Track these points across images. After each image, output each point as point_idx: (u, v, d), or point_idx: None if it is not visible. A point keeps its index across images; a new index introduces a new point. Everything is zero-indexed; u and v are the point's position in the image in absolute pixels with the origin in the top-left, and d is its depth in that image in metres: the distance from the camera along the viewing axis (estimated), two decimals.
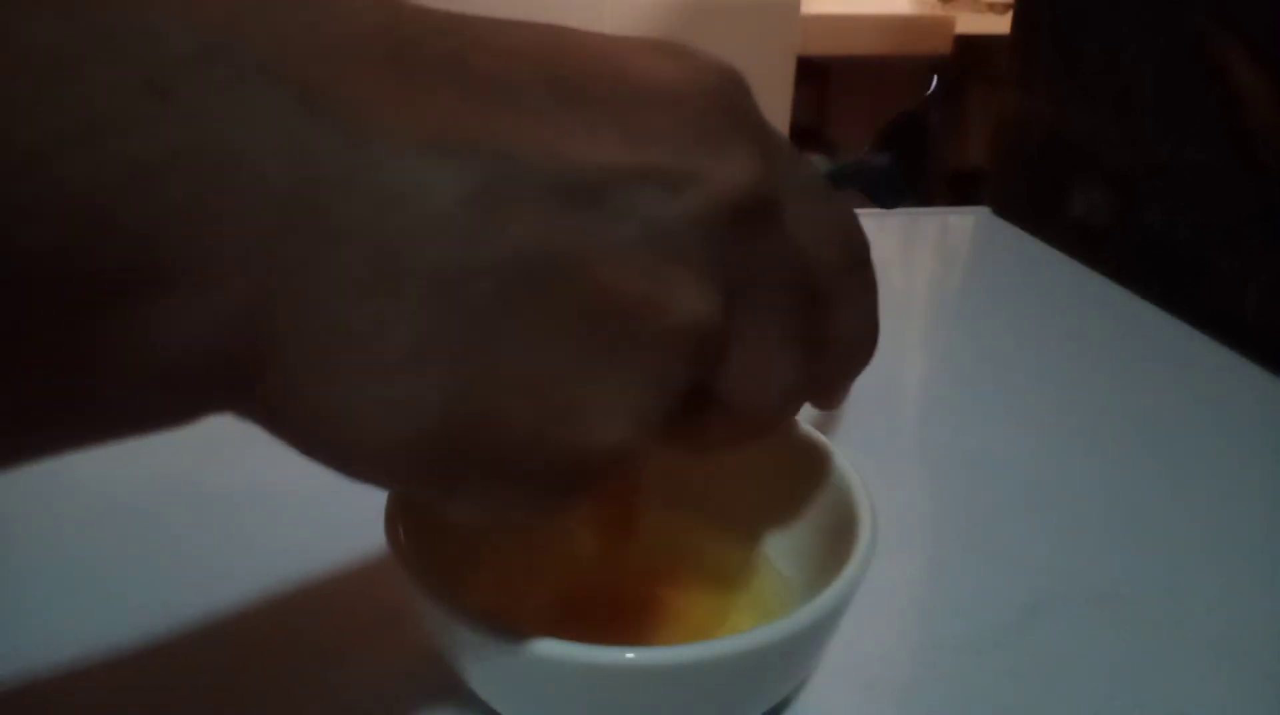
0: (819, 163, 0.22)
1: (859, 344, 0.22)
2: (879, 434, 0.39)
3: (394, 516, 0.24)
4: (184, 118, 0.13)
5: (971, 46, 1.56)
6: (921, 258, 0.64)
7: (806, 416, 0.29)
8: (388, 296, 0.14)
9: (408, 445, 0.15)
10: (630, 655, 0.20)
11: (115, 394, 0.14)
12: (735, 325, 0.18)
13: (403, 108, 0.15)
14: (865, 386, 0.43)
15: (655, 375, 0.17)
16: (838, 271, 0.20)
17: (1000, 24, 1.44)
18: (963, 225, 0.66)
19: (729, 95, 0.18)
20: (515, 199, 0.15)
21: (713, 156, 0.17)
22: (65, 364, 0.13)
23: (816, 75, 1.59)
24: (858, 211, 0.22)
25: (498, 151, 0.15)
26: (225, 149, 0.13)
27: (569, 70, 0.17)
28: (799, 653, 0.23)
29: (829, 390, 0.23)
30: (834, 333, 0.21)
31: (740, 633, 0.20)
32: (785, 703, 0.25)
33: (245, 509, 0.33)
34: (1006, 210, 0.64)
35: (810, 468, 0.27)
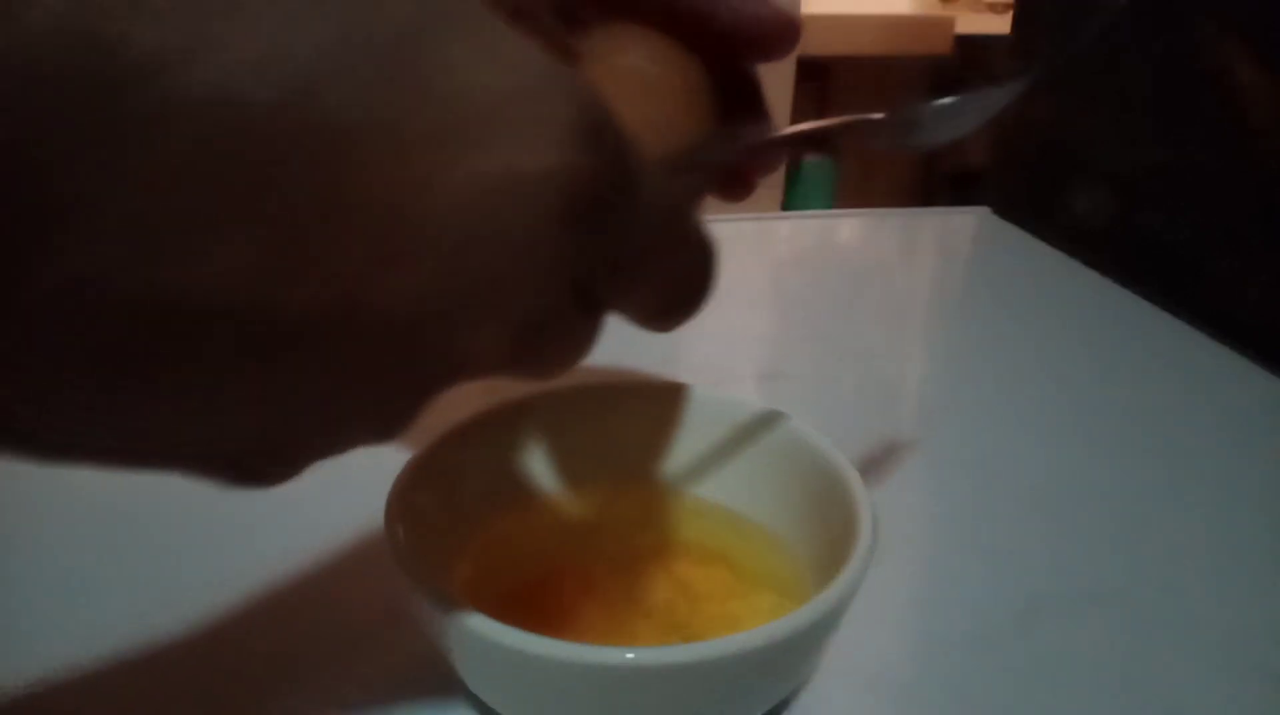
0: (948, 101, 0.21)
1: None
2: (879, 433, 0.39)
3: (394, 516, 0.24)
4: None
5: (971, 46, 1.55)
6: (922, 257, 0.64)
7: (799, 415, 0.29)
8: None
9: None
10: (630, 655, 0.20)
11: None
12: None
13: None
14: (866, 385, 0.43)
15: None
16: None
17: (1000, 24, 1.44)
18: (963, 225, 0.66)
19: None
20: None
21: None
22: None
23: (817, 75, 1.59)
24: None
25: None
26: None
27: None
28: (799, 653, 0.23)
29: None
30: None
31: (739, 633, 0.20)
32: (786, 701, 0.25)
33: (245, 509, 0.32)
34: (1006, 210, 0.64)
35: (809, 461, 0.28)
